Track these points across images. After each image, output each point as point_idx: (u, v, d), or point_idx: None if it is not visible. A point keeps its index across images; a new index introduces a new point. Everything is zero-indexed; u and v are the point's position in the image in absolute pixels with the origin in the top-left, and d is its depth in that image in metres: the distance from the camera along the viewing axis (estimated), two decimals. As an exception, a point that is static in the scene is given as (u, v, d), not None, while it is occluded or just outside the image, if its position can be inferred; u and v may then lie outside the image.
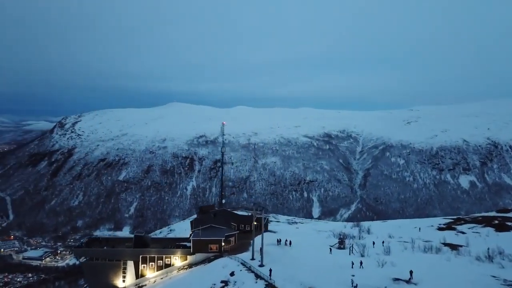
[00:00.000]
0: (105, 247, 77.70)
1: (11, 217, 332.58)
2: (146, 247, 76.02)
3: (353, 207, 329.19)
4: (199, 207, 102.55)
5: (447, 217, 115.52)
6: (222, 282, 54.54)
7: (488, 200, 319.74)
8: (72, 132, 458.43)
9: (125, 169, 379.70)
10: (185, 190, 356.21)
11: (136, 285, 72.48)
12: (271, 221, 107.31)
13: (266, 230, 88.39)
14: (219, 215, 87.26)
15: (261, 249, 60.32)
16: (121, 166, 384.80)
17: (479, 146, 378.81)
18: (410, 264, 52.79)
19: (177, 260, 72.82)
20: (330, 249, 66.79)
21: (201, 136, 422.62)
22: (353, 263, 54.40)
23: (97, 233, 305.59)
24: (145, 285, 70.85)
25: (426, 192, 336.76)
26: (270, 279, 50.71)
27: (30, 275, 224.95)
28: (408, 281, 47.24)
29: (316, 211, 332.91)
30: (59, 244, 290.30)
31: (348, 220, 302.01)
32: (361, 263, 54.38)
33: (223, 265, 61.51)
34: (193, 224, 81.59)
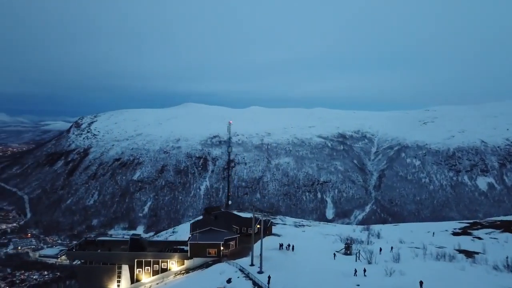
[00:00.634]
0: (99, 250, 75.15)
1: (28, 215, 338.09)
2: (143, 250, 73.32)
3: (367, 209, 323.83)
4: (205, 208, 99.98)
5: (463, 221, 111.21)
6: (218, 289, 51.71)
7: (507, 202, 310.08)
8: (88, 132, 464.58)
9: (139, 169, 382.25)
10: (198, 190, 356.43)
11: None
12: (276, 223, 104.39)
13: (270, 234, 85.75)
14: (220, 217, 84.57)
15: (261, 255, 57.56)
16: (136, 165, 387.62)
17: (498, 147, 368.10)
18: (420, 273, 49.35)
19: (174, 265, 70.07)
20: (334, 255, 63.56)
21: (214, 136, 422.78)
22: (356, 271, 51.47)
23: (111, 232, 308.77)
24: (140, 290, 67.45)
25: (443, 194, 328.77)
26: (268, 287, 48.19)
27: (45, 272, 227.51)
28: (417, 293, 43.52)
29: (330, 212, 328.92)
30: (74, 242, 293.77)
31: (363, 221, 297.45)
32: (364, 270, 51.39)
33: (221, 271, 59.05)
34: (193, 227, 79.14)
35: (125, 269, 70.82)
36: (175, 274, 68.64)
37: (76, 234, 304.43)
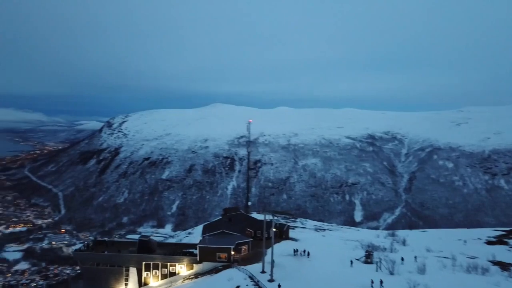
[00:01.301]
0: (106, 252, 73.00)
1: (62, 211, 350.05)
2: (151, 253, 70.77)
3: (397, 212, 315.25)
4: (223, 209, 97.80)
5: (498, 229, 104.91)
6: (224, 297, 48.90)
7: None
8: (119, 131, 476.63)
9: (168, 168, 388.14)
10: (225, 190, 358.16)
11: None
12: (296, 227, 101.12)
13: (287, 238, 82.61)
14: (234, 220, 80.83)
15: (272, 262, 54.74)
16: (164, 165, 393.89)
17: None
18: (448, 287, 46.49)
19: (183, 269, 67.02)
20: (351, 262, 59.93)
21: (241, 137, 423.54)
22: (372, 282, 48.05)
23: (141, 229, 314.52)
24: (147, 294, 65.81)
25: (477, 198, 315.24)
26: (277, 298, 45.20)
27: (77, 267, 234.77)
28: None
29: (358, 214, 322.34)
30: (105, 239, 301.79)
31: (392, 225, 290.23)
32: (381, 282, 47.67)
33: (229, 278, 56.79)
34: (205, 229, 76.55)
35: (132, 272, 68.53)
36: (184, 278, 66.15)
37: (107, 231, 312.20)
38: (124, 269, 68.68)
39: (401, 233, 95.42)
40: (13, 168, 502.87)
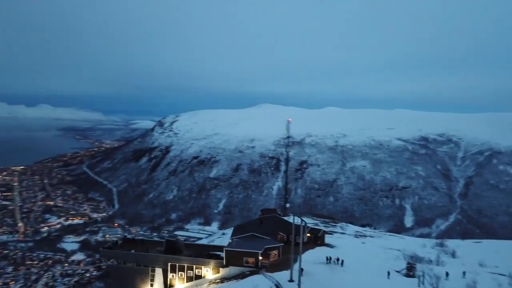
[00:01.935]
0: (132, 250, 70.87)
1: (116, 206, 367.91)
2: (179, 253, 68.34)
3: (451, 218, 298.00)
4: (261, 210, 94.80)
5: None
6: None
7: None
8: (170, 131, 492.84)
9: (215, 167, 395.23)
10: (271, 190, 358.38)
11: None
12: (334, 232, 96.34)
13: (322, 244, 78.17)
14: (266, 222, 76.95)
15: (299, 270, 51.54)
16: (212, 164, 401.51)
17: None
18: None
19: (208, 272, 64.05)
20: (388, 273, 54.96)
21: (288, 137, 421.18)
22: None
23: (188, 226, 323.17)
24: (172, 297, 63.70)
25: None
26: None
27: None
28: None
29: (408, 220, 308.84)
30: (154, 234, 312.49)
31: (445, 232, 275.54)
32: None
33: (254, 285, 53.85)
34: (235, 231, 74.12)
35: (158, 272, 66.83)
36: (209, 282, 63.95)
37: (156, 226, 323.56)
38: (150, 269, 67.28)
39: (451, 244, 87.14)
40: (73, 164, 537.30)
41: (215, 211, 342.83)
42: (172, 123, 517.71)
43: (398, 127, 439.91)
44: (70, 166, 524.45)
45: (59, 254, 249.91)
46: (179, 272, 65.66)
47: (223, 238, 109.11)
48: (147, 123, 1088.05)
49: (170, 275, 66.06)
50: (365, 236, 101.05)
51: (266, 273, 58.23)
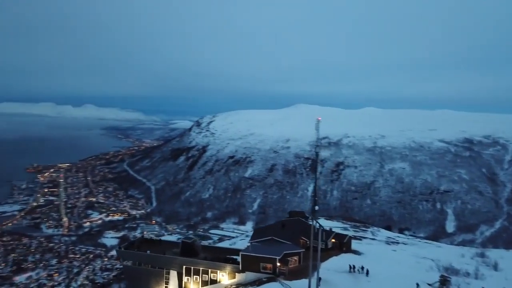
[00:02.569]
0: (148, 251, 69.08)
1: (154, 204, 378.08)
2: (195, 256, 65.98)
3: (497, 225, 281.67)
4: (288, 212, 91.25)
5: None
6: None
7: None
8: (206, 130, 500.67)
9: (250, 167, 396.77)
10: (306, 191, 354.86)
11: None
12: (363, 237, 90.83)
13: (348, 251, 73.42)
14: (289, 226, 73.09)
15: (317, 279, 47.63)
16: (247, 163, 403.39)
17: None
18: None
19: (224, 277, 60.88)
20: (417, 286, 50.67)
21: (324, 138, 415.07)
22: None
23: (223, 225, 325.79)
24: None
25: None
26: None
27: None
28: None
29: (450, 225, 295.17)
30: (190, 232, 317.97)
31: (491, 238, 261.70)
32: None
33: None
34: (254, 235, 70.48)
35: (173, 275, 64.55)
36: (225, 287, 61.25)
37: (192, 224, 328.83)
38: (164, 271, 65.35)
39: (494, 254, 77.83)
40: (114, 162, 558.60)
41: (250, 211, 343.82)
42: (209, 123, 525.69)
43: (440, 128, 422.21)
44: (111, 164, 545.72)
45: (99, 248, 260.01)
46: (194, 276, 63.19)
47: (246, 240, 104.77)
48: (185, 123, 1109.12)
49: (185, 278, 63.78)
50: (397, 243, 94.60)
51: (284, 281, 54.88)
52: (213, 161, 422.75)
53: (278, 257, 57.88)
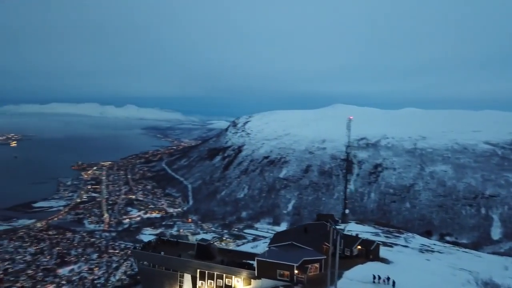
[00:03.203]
0: (162, 253, 67.24)
1: (190, 202, 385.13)
2: (211, 259, 63.59)
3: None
4: (317, 214, 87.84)
5: None
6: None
7: None
8: (242, 131, 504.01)
9: (285, 167, 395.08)
10: (342, 193, 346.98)
11: None
12: (394, 244, 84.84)
13: (375, 259, 68.40)
14: (312, 230, 68.62)
15: None
16: (282, 164, 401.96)
17: None
18: None
19: (239, 283, 57.90)
20: None
21: (361, 139, 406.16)
22: None
23: (257, 225, 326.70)
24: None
25: None
26: None
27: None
28: None
29: (496, 231, 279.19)
30: (225, 231, 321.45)
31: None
32: None
33: None
34: (274, 239, 66.80)
35: (187, 278, 62.08)
36: None
37: (227, 223, 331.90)
38: (178, 274, 63.09)
39: None
40: (153, 161, 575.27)
41: (284, 211, 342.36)
42: (245, 123, 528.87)
43: (486, 129, 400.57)
44: (151, 163, 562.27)
45: (137, 245, 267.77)
46: (209, 280, 60.65)
47: (267, 243, 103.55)
48: (222, 124, 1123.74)
49: (199, 283, 61.51)
50: (432, 251, 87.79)
51: None
52: (248, 161, 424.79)
53: (296, 264, 54.70)
